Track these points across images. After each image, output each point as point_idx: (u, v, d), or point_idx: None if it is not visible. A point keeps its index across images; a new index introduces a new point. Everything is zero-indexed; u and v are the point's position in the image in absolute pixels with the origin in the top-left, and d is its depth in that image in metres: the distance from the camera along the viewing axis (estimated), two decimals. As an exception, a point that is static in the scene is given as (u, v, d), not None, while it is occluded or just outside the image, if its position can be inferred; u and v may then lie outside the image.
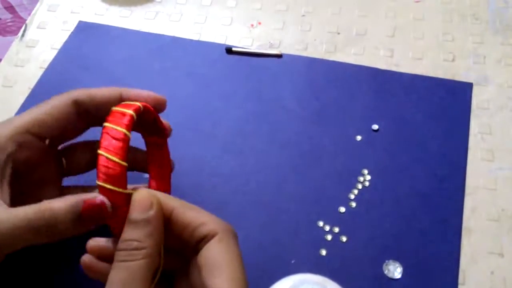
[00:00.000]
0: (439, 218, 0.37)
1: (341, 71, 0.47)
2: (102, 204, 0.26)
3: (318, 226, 0.37)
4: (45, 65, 0.50)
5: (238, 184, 0.40)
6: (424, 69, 0.47)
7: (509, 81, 0.46)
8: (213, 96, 0.46)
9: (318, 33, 0.51)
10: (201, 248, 0.27)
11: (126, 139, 0.27)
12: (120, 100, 0.32)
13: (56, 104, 0.32)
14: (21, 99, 0.47)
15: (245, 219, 0.38)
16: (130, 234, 0.26)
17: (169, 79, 0.48)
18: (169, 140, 0.36)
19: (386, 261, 0.35)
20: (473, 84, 0.45)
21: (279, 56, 0.49)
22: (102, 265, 0.28)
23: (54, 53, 0.51)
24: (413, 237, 0.36)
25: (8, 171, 0.30)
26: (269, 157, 0.42)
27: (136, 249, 0.25)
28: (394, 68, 0.47)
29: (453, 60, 0.48)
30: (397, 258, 0.36)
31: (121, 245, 0.26)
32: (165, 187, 0.35)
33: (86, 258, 0.28)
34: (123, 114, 0.29)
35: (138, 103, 0.30)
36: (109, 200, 0.26)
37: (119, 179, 0.26)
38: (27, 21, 0.54)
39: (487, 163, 0.41)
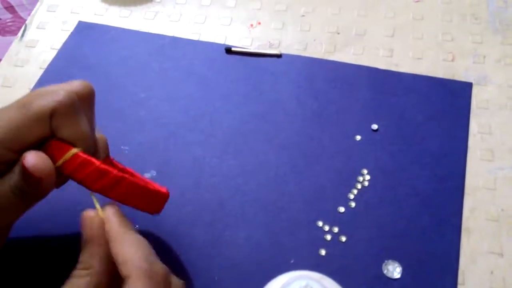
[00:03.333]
0: (438, 218, 0.37)
1: (340, 71, 0.47)
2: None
3: (318, 226, 0.37)
4: (45, 65, 0.50)
5: (237, 184, 0.40)
6: (424, 69, 0.47)
7: (509, 80, 0.46)
8: (212, 96, 0.46)
9: (317, 33, 0.51)
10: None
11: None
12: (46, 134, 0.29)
13: (26, 120, 0.28)
14: (20, 99, 0.47)
15: (245, 219, 0.38)
16: (82, 254, 0.27)
17: (168, 79, 0.48)
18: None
19: (386, 261, 0.35)
20: (473, 84, 0.45)
21: (278, 56, 0.49)
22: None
23: (53, 53, 0.51)
24: (412, 237, 0.36)
25: None
26: (268, 156, 0.42)
27: (84, 268, 0.26)
28: (393, 68, 0.47)
29: (452, 60, 0.48)
30: (396, 258, 0.36)
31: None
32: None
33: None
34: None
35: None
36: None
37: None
38: (27, 22, 0.54)
39: (486, 163, 0.41)
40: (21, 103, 0.28)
